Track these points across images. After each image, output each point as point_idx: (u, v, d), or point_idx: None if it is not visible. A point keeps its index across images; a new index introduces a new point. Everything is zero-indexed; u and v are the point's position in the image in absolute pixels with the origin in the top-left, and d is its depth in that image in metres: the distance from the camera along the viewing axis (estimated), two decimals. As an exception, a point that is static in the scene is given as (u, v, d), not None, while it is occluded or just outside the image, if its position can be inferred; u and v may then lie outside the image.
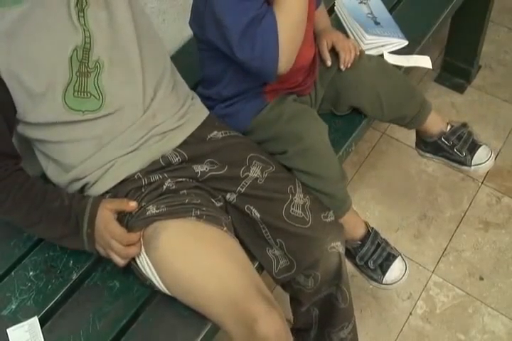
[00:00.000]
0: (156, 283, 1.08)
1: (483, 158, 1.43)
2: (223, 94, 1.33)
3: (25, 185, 1.10)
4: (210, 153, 1.23)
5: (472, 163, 1.44)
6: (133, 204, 1.13)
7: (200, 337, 1.08)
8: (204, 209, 1.13)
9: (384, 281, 1.34)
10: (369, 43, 1.59)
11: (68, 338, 1.08)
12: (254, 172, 1.21)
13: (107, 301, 1.13)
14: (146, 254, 1.08)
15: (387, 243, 1.37)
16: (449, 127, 1.47)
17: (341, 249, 1.20)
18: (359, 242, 1.35)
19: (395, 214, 1.94)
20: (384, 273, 1.34)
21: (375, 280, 1.36)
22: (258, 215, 1.18)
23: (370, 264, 1.34)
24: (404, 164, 2.07)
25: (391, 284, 1.35)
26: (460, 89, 2.28)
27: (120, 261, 1.10)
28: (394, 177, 2.03)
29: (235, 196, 1.20)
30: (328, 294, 1.25)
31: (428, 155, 1.57)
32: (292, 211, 1.18)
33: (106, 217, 1.10)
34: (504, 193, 1.97)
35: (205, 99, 1.35)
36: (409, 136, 2.12)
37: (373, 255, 1.34)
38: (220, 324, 1.06)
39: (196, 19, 1.24)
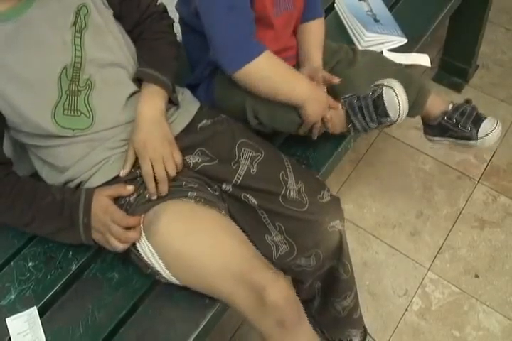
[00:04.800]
0: (159, 269, 1.08)
1: (488, 129, 1.41)
2: (204, 75, 1.34)
3: (16, 187, 1.10)
4: (201, 142, 1.24)
5: (478, 136, 1.42)
6: (130, 188, 1.14)
7: (199, 329, 1.09)
8: (201, 193, 1.14)
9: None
10: (369, 40, 1.60)
11: (67, 329, 1.08)
12: (244, 164, 1.22)
13: (106, 292, 1.13)
14: (147, 240, 1.08)
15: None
16: (451, 106, 1.46)
17: (341, 226, 1.22)
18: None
19: (392, 211, 1.95)
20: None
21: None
22: (255, 202, 1.19)
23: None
24: (402, 162, 2.08)
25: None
26: (457, 88, 2.29)
27: (119, 246, 1.09)
28: (391, 174, 2.04)
29: (230, 186, 1.21)
30: (330, 267, 1.27)
31: (437, 138, 1.55)
32: (289, 197, 1.19)
33: (103, 202, 1.10)
34: (500, 192, 1.98)
35: (192, 89, 1.37)
36: (407, 134, 2.14)
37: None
38: (229, 299, 1.06)
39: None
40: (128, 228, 1.09)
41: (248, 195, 1.20)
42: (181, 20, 1.35)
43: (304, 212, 1.18)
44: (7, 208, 1.10)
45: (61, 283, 1.15)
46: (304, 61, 1.38)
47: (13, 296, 1.12)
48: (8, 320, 1.08)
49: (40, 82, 1.09)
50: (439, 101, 1.47)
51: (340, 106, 1.29)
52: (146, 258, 1.09)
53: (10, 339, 1.07)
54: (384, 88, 1.25)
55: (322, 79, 1.33)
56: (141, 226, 1.10)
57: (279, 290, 1.02)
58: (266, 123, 1.30)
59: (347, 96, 1.31)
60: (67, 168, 1.17)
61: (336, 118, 1.30)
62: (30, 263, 1.17)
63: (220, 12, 1.15)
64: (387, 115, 1.25)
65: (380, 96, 1.24)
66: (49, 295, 1.13)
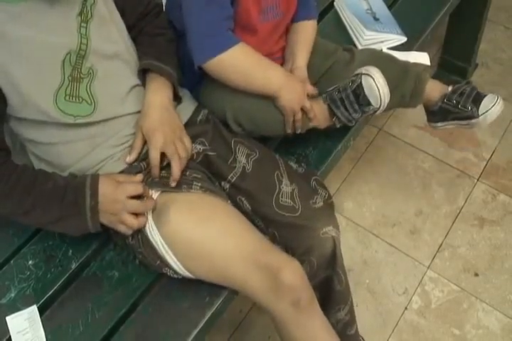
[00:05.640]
0: (169, 259, 1.08)
1: (488, 105, 1.39)
2: (194, 81, 1.34)
3: (14, 174, 1.07)
4: (201, 133, 1.25)
5: (479, 113, 1.40)
6: (139, 175, 1.15)
7: (199, 328, 1.09)
8: (205, 184, 1.15)
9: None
10: (368, 39, 1.59)
11: (67, 327, 1.08)
12: (240, 161, 1.23)
13: (106, 291, 1.13)
14: (158, 230, 1.09)
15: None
16: (450, 88, 1.45)
17: (334, 233, 1.21)
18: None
19: (392, 209, 1.95)
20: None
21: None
22: (249, 207, 1.21)
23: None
24: (401, 160, 2.08)
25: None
26: (457, 87, 2.29)
27: (134, 222, 1.08)
28: (391, 173, 2.04)
29: (228, 185, 1.22)
30: (324, 277, 1.26)
31: (440, 124, 1.53)
32: (282, 200, 1.20)
33: (111, 182, 1.10)
34: (500, 190, 1.98)
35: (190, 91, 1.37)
36: (406, 133, 2.14)
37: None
38: (243, 284, 1.07)
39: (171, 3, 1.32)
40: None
41: (243, 199, 1.21)
42: (170, 24, 1.34)
43: (296, 217, 1.18)
44: (5, 195, 1.06)
45: (61, 281, 1.15)
46: (289, 60, 1.38)
47: (13, 294, 1.12)
48: (8, 319, 1.08)
49: (43, 62, 1.08)
50: (438, 86, 1.46)
51: (322, 100, 1.29)
52: (157, 247, 1.09)
53: (10, 337, 1.07)
54: (362, 76, 1.25)
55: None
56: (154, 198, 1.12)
57: (293, 270, 1.05)
58: (250, 130, 1.29)
59: (328, 90, 1.31)
60: (69, 166, 1.16)
61: (320, 113, 1.30)
62: (30, 262, 1.17)
63: (198, 3, 1.16)
64: (368, 103, 1.25)
65: (360, 85, 1.25)
66: (49, 293, 1.13)
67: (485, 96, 1.41)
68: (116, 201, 1.08)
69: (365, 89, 1.24)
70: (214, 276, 1.09)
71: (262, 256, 1.05)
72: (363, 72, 1.26)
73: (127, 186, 1.10)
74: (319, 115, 1.30)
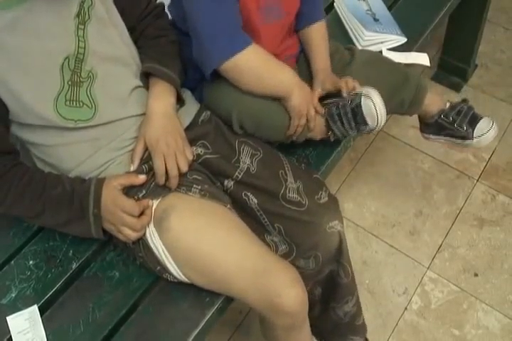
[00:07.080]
0: (169, 266, 1.08)
1: (484, 129, 1.42)
2: (196, 78, 1.34)
3: (25, 178, 1.09)
4: (203, 135, 1.25)
5: (474, 136, 1.43)
6: (142, 177, 1.14)
7: (199, 328, 1.09)
8: (206, 186, 1.15)
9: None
10: (368, 40, 1.60)
11: (68, 327, 1.08)
12: (244, 162, 1.23)
13: (107, 291, 1.13)
14: (159, 236, 1.09)
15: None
16: (448, 104, 1.47)
17: (340, 227, 1.22)
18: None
19: (392, 210, 1.95)
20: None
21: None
22: (255, 201, 1.20)
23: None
24: (401, 161, 2.08)
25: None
26: (456, 87, 2.29)
27: (132, 234, 1.09)
28: (390, 173, 2.05)
29: (232, 183, 1.22)
30: (330, 271, 1.27)
31: (432, 136, 1.55)
32: (289, 196, 1.20)
33: (112, 193, 1.09)
34: (499, 191, 1.99)
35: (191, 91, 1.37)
36: (406, 133, 2.15)
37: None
38: (241, 298, 1.07)
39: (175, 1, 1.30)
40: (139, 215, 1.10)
41: (249, 194, 1.20)
42: (172, 24, 1.34)
43: (303, 212, 1.18)
44: (17, 199, 1.08)
45: (62, 281, 1.15)
46: (310, 64, 1.39)
47: (13, 295, 1.12)
48: (8, 319, 1.09)
49: (41, 69, 1.08)
50: (437, 99, 1.47)
51: (322, 111, 1.30)
52: (157, 253, 1.09)
53: (11, 337, 1.07)
54: (362, 97, 1.25)
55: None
56: (152, 209, 1.11)
57: (293, 297, 1.03)
58: (251, 132, 1.29)
59: (329, 101, 1.31)
60: (71, 169, 1.16)
61: (317, 124, 1.31)
62: (30, 262, 1.17)
63: (206, 2, 1.14)
64: (365, 123, 1.26)
65: (359, 105, 1.25)
66: (50, 293, 1.13)
67: (481, 118, 1.44)
68: (113, 215, 1.09)
69: (363, 110, 1.25)
70: (212, 286, 1.09)
71: (262, 277, 1.03)
72: (364, 93, 1.26)
73: (125, 202, 1.09)
74: (316, 127, 1.31)
